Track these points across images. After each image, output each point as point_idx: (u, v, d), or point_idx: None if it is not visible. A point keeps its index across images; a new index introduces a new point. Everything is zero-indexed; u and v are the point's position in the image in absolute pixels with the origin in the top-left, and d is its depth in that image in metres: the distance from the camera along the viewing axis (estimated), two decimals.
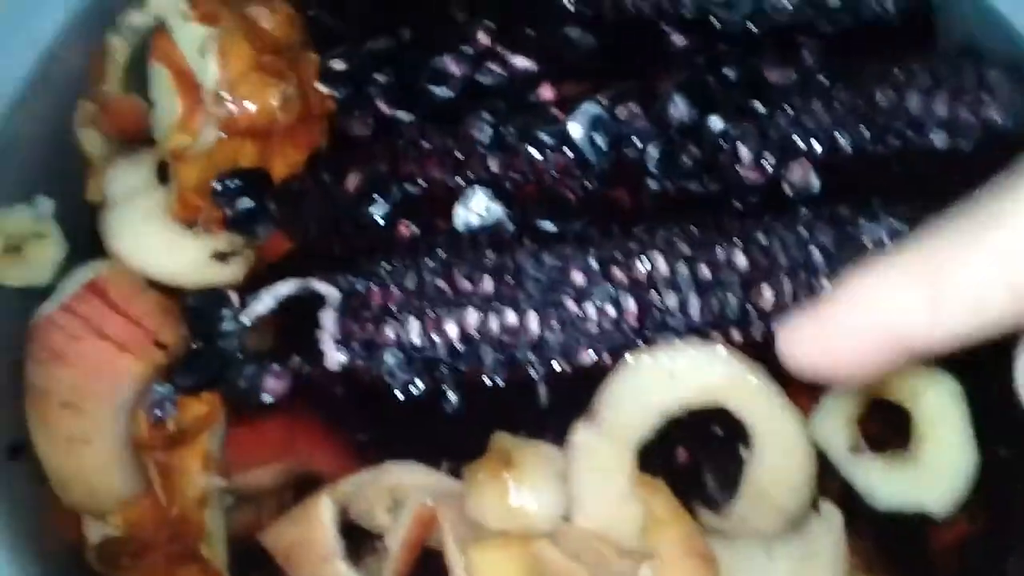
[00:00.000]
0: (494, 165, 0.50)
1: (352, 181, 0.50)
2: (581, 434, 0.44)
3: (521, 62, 0.54)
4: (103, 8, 0.54)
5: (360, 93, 0.54)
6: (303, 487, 0.48)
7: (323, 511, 0.43)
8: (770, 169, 0.50)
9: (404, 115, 0.54)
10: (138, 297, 0.48)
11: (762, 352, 0.44)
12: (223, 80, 0.51)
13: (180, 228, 0.51)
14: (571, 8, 0.56)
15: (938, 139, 0.50)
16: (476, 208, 0.49)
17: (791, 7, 0.54)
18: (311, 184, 0.51)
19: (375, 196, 0.50)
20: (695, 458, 0.46)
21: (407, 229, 0.49)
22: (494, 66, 0.54)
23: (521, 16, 0.56)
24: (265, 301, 0.47)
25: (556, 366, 0.46)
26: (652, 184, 0.51)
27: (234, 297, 0.48)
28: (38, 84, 0.54)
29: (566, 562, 0.41)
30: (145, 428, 0.47)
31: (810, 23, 0.54)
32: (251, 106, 0.51)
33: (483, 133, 0.51)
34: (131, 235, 0.50)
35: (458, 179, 0.50)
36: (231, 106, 0.51)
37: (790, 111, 0.50)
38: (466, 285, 0.46)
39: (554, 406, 0.46)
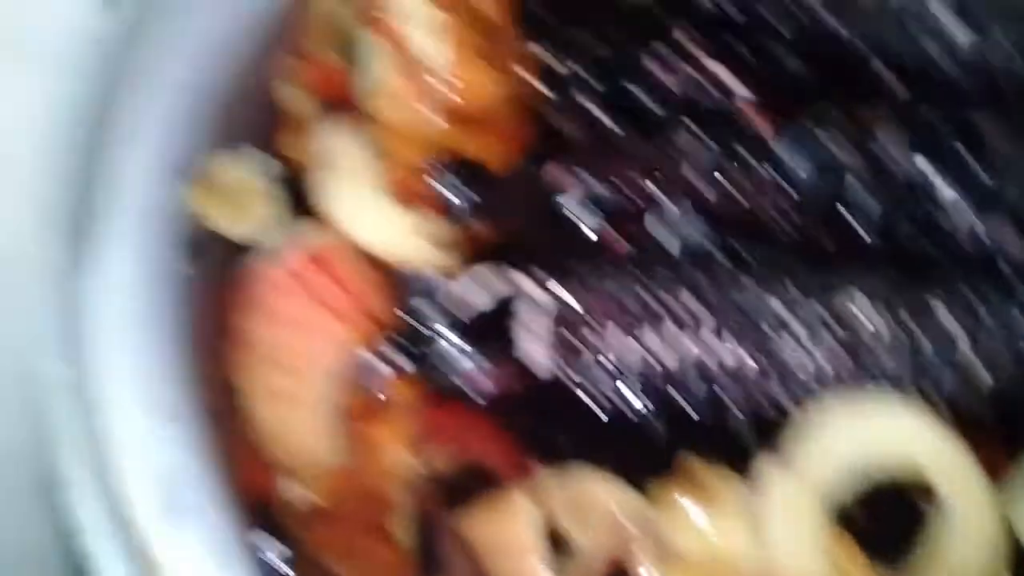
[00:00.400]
0: (694, 179, 0.50)
1: (568, 182, 0.50)
2: (773, 474, 0.44)
3: (724, 74, 0.54)
4: None
5: (570, 92, 0.53)
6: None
7: (525, 507, 0.44)
8: (980, 227, 0.49)
9: (607, 119, 0.54)
10: (354, 266, 0.49)
11: (955, 412, 0.45)
12: (448, 63, 0.51)
13: (396, 204, 0.51)
14: (781, 30, 0.55)
15: None
16: (674, 223, 0.49)
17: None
18: (522, 179, 0.51)
19: (585, 200, 0.50)
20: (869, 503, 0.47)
21: (619, 241, 0.49)
22: (695, 74, 0.53)
23: (728, 27, 0.55)
24: (477, 294, 0.47)
25: (754, 401, 0.46)
26: (854, 218, 0.50)
27: (446, 284, 0.48)
28: (253, 43, 0.54)
29: None
30: (351, 397, 0.48)
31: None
32: (471, 93, 0.51)
33: (687, 145, 0.50)
34: (345, 200, 0.51)
35: (657, 190, 0.50)
36: (451, 90, 0.51)
37: (1005, 167, 0.50)
38: (685, 309, 0.46)
39: (745, 440, 0.47)
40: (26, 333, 0.41)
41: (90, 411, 0.41)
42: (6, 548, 0.58)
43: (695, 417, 0.47)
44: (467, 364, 0.47)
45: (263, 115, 0.55)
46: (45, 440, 0.39)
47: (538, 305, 0.48)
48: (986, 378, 0.47)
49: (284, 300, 0.48)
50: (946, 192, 0.50)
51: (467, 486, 0.49)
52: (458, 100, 0.51)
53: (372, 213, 0.51)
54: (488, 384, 0.47)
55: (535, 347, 0.47)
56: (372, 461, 0.48)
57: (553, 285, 0.48)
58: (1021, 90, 0.52)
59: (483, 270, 0.49)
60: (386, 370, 0.48)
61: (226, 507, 0.44)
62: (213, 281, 0.49)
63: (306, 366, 0.47)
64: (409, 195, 0.51)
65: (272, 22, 0.56)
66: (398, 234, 0.51)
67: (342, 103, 0.56)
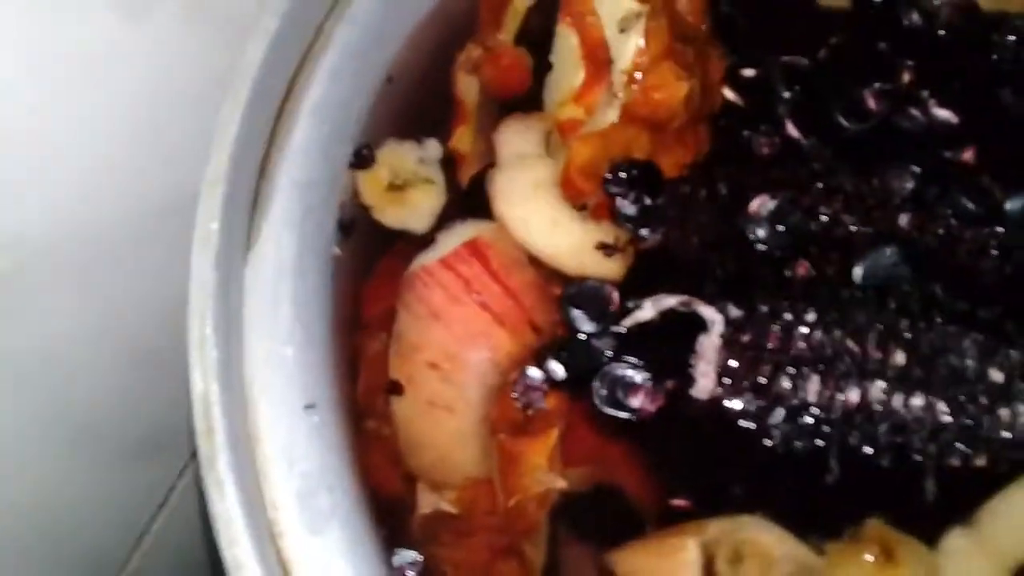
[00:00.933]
0: (904, 221, 0.46)
1: (756, 201, 0.46)
2: (957, 540, 0.40)
3: (943, 114, 0.49)
4: None
5: (764, 107, 0.50)
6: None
7: (690, 552, 0.41)
8: None
9: (805, 140, 0.50)
10: (518, 270, 0.46)
11: None
12: (638, 62, 0.48)
13: (566, 207, 0.48)
14: (1008, 67, 0.50)
15: None
16: (883, 265, 0.45)
17: None
18: (704, 191, 0.48)
19: (775, 223, 0.46)
20: None
21: (805, 270, 0.45)
22: (915, 111, 0.49)
23: (950, 64, 0.50)
24: (647, 310, 0.44)
25: (949, 462, 0.42)
26: None
27: (614, 295, 0.45)
28: (430, 26, 0.52)
29: None
30: (498, 409, 0.45)
31: None
32: (659, 95, 0.48)
33: (904, 185, 0.46)
34: (518, 202, 0.48)
35: (864, 228, 0.46)
36: (638, 91, 0.48)
37: None
38: (877, 354, 0.42)
39: (932, 501, 0.42)
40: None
41: (238, 397, 0.39)
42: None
43: (873, 464, 0.43)
44: (627, 379, 0.44)
45: (438, 105, 0.53)
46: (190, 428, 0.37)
47: (711, 328, 0.44)
48: None
49: (445, 300, 0.45)
50: None
51: (598, 510, 0.47)
52: (645, 102, 0.48)
53: (539, 213, 0.48)
54: (647, 405, 0.43)
55: (703, 368, 0.44)
56: (515, 479, 0.45)
57: (732, 309, 0.44)
58: None
59: (651, 285, 0.46)
60: (541, 381, 0.45)
61: (361, 511, 0.41)
62: (359, 270, 0.48)
63: (463, 374, 0.45)
64: (579, 198, 0.48)
65: (459, 9, 0.53)
66: (564, 238, 0.48)
67: (521, 99, 0.53)
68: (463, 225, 0.47)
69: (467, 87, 0.53)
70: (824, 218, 0.47)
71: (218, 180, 0.41)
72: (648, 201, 0.48)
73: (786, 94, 0.50)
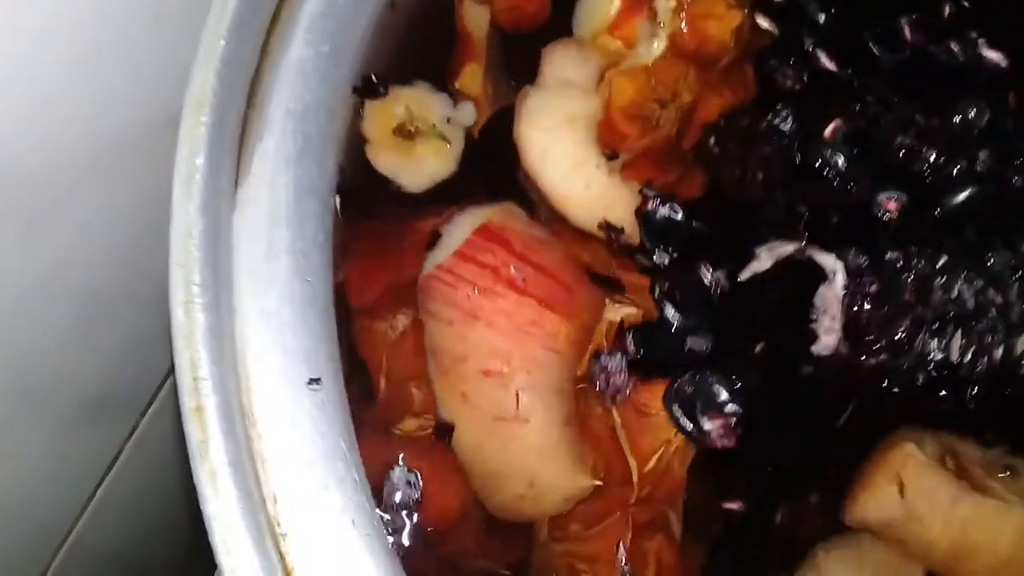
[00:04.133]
0: (984, 156, 0.40)
1: (832, 126, 0.40)
2: None
3: (993, 55, 0.44)
4: None
5: (797, 35, 0.44)
6: None
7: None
8: None
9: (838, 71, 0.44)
10: (544, 247, 0.39)
11: None
12: None
13: (594, 152, 0.41)
14: None
15: None
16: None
17: None
18: (765, 125, 0.41)
19: (854, 149, 0.40)
20: None
21: (895, 203, 0.39)
22: (956, 47, 0.43)
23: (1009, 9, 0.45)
24: (762, 260, 0.39)
25: None
26: None
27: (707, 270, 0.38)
28: None
29: None
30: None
31: None
32: (709, 27, 0.42)
33: (981, 118, 0.41)
34: (546, 127, 0.41)
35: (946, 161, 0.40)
36: (685, 21, 0.41)
37: None
38: (1021, 303, 0.37)
39: None
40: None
41: (229, 368, 0.31)
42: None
43: None
44: (714, 395, 0.37)
45: (445, 40, 0.46)
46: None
47: (830, 274, 0.38)
48: None
49: (477, 296, 0.37)
50: None
51: None
52: (694, 33, 0.41)
53: (567, 152, 0.41)
54: (716, 436, 0.37)
55: (827, 323, 0.38)
56: (648, 432, 0.37)
57: (850, 254, 0.39)
58: None
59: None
60: (620, 365, 0.38)
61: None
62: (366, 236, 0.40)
63: (526, 372, 0.36)
64: (621, 143, 0.41)
65: None
66: (585, 188, 0.41)
67: (537, 30, 0.46)
68: (465, 214, 0.40)
69: (475, 17, 0.46)
70: (903, 149, 0.41)
71: (204, 104, 0.33)
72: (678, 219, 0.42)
73: (821, 17, 0.44)
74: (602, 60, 0.42)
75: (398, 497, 0.35)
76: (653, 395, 0.37)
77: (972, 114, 0.42)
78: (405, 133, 0.42)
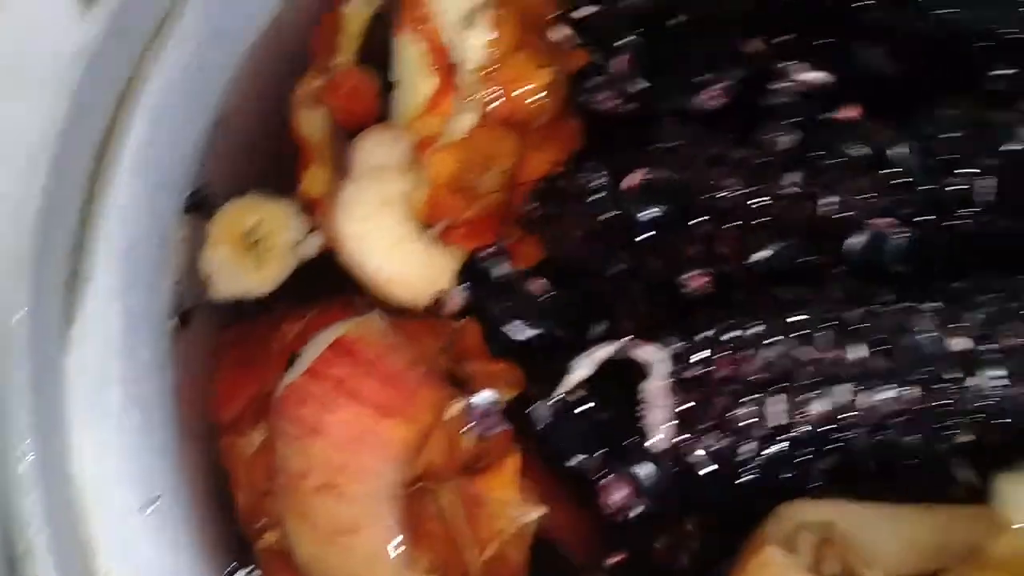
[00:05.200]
0: (791, 180, 0.42)
1: (629, 178, 0.42)
2: None
3: (817, 76, 0.45)
4: None
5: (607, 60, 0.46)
6: None
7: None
8: None
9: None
10: (393, 353, 0.40)
11: None
12: (490, 57, 0.43)
13: (413, 229, 0.43)
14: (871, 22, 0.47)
15: None
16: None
17: None
18: (577, 184, 0.43)
19: (655, 196, 0.41)
20: None
21: (701, 280, 0.41)
22: (779, 85, 0.45)
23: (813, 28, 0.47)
24: (582, 368, 0.40)
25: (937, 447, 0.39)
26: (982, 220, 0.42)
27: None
28: (259, 57, 0.47)
29: None
30: (442, 456, 0.39)
31: None
32: (518, 90, 0.43)
33: (784, 141, 0.42)
34: (360, 217, 0.43)
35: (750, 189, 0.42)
36: (494, 89, 0.43)
37: None
38: (830, 354, 0.39)
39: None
40: None
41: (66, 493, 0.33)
42: None
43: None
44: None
45: (280, 149, 0.48)
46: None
47: (650, 369, 0.39)
48: None
49: (320, 410, 0.38)
50: None
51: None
52: (505, 99, 0.43)
53: (386, 235, 0.44)
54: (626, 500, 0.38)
55: (654, 417, 0.39)
56: (487, 526, 0.39)
57: (672, 343, 0.40)
58: None
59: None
60: (490, 405, 0.39)
61: None
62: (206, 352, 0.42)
63: (359, 483, 0.38)
64: (448, 215, 0.43)
65: (288, 40, 0.48)
66: (408, 265, 0.44)
67: (370, 123, 0.48)
68: (324, 332, 0.41)
69: (311, 123, 0.48)
70: (708, 184, 0.42)
71: (22, 260, 0.35)
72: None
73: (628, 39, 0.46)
74: (414, 139, 0.44)
75: None
76: (487, 485, 0.39)
77: (776, 139, 0.43)
78: (248, 243, 0.44)
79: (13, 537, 0.30)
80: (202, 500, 0.37)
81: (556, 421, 0.41)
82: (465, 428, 0.39)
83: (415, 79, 0.46)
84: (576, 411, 0.41)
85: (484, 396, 0.39)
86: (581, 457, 0.41)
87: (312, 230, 0.46)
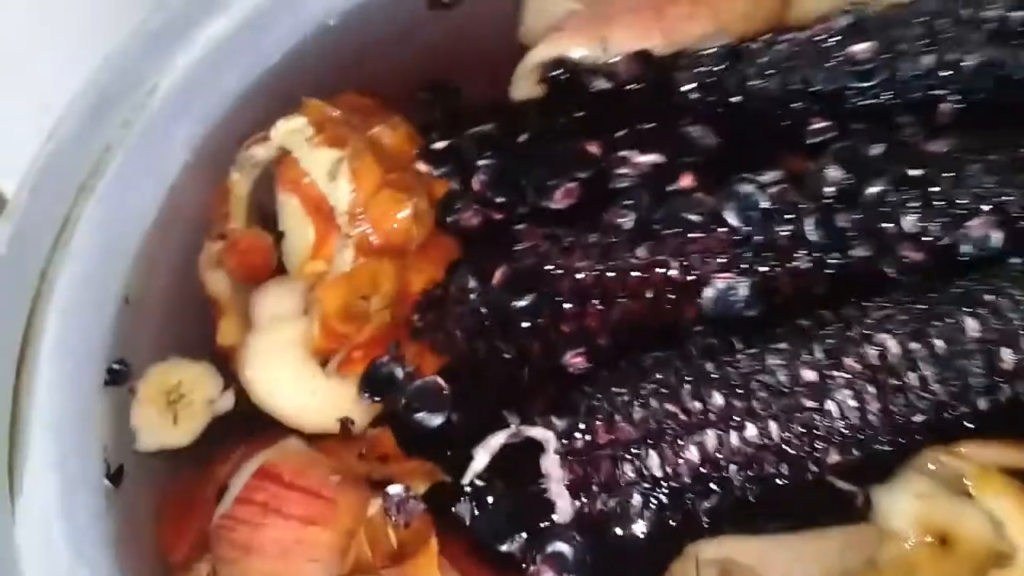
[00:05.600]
0: (641, 252, 0.47)
1: (497, 274, 0.47)
2: None
3: (649, 159, 0.51)
4: (222, 146, 0.53)
5: (466, 182, 0.52)
6: None
7: None
8: (939, 233, 0.47)
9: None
10: (312, 468, 0.45)
11: (1013, 416, 0.42)
12: (356, 200, 0.49)
13: (311, 365, 0.48)
14: (692, 99, 0.53)
15: None
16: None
17: (926, 74, 0.51)
18: (453, 291, 0.48)
19: (522, 287, 0.47)
20: None
21: (582, 358, 0.47)
22: (623, 171, 0.51)
23: (639, 118, 0.53)
24: (480, 457, 0.44)
25: (804, 474, 0.43)
26: (812, 258, 0.47)
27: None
28: (161, 231, 0.52)
29: None
30: (368, 553, 0.43)
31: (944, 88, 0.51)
32: (386, 223, 0.49)
33: (625, 217, 0.48)
34: (262, 365, 0.48)
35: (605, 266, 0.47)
36: (366, 226, 0.49)
37: (951, 175, 0.47)
38: (696, 404, 0.43)
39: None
40: None
41: None
42: None
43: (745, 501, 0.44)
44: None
45: (193, 312, 0.53)
46: None
47: (547, 447, 0.44)
48: None
49: (250, 531, 0.43)
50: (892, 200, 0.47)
51: None
52: (369, 233, 0.49)
53: (287, 375, 0.48)
54: None
55: (555, 489, 0.43)
56: None
57: (552, 420, 0.44)
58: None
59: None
60: (406, 494, 0.44)
61: None
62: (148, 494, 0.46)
63: None
64: (335, 347, 0.48)
65: (192, 215, 0.54)
66: (313, 398, 0.48)
67: (268, 275, 0.53)
68: (249, 462, 0.46)
69: (216, 282, 0.53)
70: (567, 268, 0.47)
71: None
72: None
73: (481, 162, 0.51)
74: (307, 284, 0.50)
75: None
76: (412, 570, 0.42)
77: (618, 216, 0.49)
78: (170, 401, 0.48)
79: None
80: None
81: (477, 512, 0.44)
82: (389, 520, 0.43)
83: (299, 228, 0.52)
84: (488, 498, 0.45)
85: (397, 489, 0.43)
86: (508, 544, 0.44)
87: (227, 387, 0.50)
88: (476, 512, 0.44)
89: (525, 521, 0.44)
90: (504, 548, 0.44)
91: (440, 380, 0.47)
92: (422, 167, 0.52)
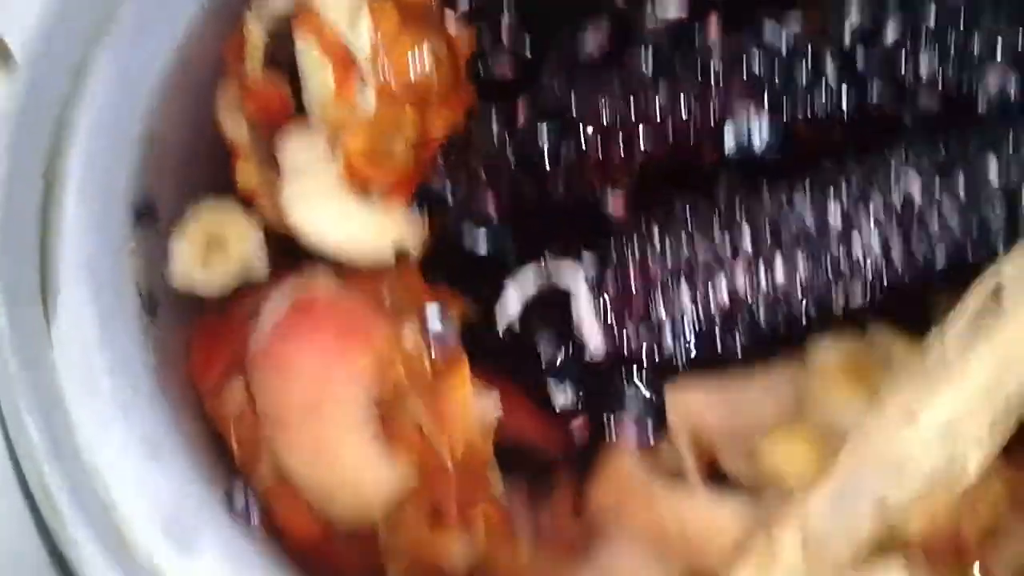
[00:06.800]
0: (664, 95, 0.48)
1: (521, 113, 0.48)
2: None
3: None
4: None
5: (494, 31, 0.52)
6: None
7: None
8: (959, 80, 0.47)
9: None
10: (344, 300, 0.46)
11: None
12: (377, 45, 0.49)
13: (356, 200, 0.49)
14: None
15: None
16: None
17: None
18: (475, 129, 0.49)
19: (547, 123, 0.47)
20: None
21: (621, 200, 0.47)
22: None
23: None
24: (514, 303, 0.45)
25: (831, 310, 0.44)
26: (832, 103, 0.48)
27: None
28: (178, 75, 0.52)
29: None
30: (404, 376, 0.45)
31: None
32: (406, 69, 0.49)
33: (646, 64, 0.48)
34: (310, 207, 0.49)
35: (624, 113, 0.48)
36: (386, 71, 0.49)
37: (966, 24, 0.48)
38: (727, 245, 0.44)
39: None
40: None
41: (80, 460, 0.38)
42: None
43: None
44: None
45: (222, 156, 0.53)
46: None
47: (574, 288, 0.45)
48: None
49: (288, 354, 0.45)
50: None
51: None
52: (396, 79, 0.49)
53: (331, 212, 0.49)
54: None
55: (587, 329, 0.45)
56: (455, 426, 0.44)
57: (584, 262, 0.45)
58: None
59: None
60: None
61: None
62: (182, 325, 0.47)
63: (332, 405, 0.44)
64: (370, 184, 0.49)
65: (208, 60, 0.53)
66: (364, 230, 0.49)
67: (287, 120, 0.53)
68: (278, 290, 0.47)
69: (235, 125, 0.53)
70: (590, 106, 0.48)
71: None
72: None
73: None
74: (330, 126, 0.50)
75: None
76: (447, 391, 0.45)
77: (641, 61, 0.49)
78: (210, 246, 0.49)
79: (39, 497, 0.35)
80: (203, 456, 0.43)
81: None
82: (423, 349, 0.44)
83: (319, 75, 0.51)
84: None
85: (434, 320, 0.45)
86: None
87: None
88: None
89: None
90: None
91: (492, 206, 0.48)
92: (449, 16, 0.52)
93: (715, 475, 0.45)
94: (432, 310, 0.44)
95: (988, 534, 0.42)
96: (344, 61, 0.51)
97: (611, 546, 0.44)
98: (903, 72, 0.48)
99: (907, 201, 0.44)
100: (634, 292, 0.45)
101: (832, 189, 0.45)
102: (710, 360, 0.45)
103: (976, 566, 0.42)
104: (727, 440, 0.45)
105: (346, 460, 0.43)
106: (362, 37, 0.50)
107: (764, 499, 0.44)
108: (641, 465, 0.44)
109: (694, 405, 0.45)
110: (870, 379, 0.45)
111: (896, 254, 0.44)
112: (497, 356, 0.46)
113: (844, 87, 0.48)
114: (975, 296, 0.42)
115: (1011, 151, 0.45)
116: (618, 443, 0.44)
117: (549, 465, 0.47)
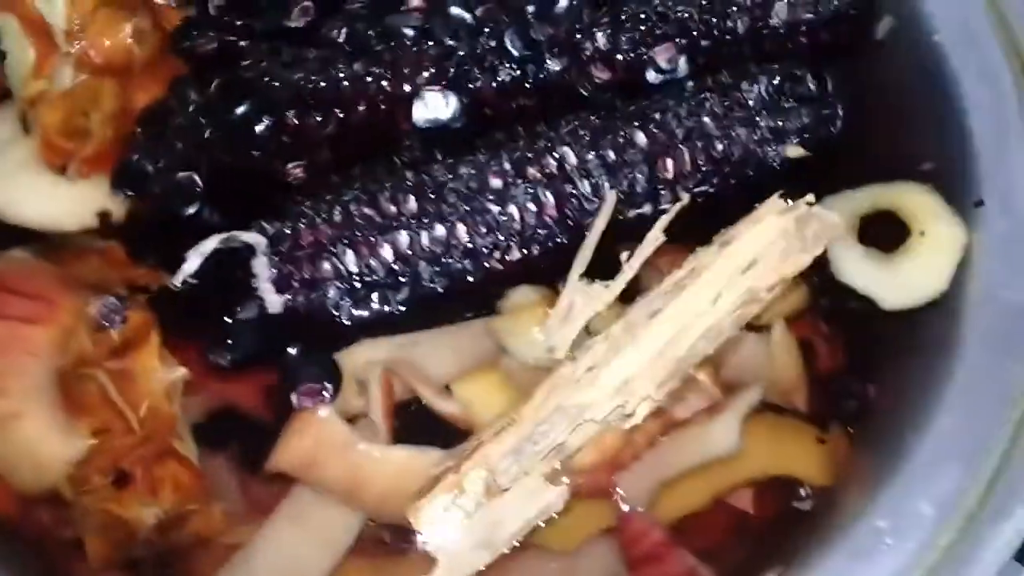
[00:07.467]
0: (358, 66, 0.50)
1: (214, 86, 0.50)
2: None
3: None
4: None
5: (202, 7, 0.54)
6: None
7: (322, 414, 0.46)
8: (631, 55, 0.51)
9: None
10: (34, 276, 0.48)
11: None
12: (73, 18, 0.50)
13: (50, 175, 0.50)
14: None
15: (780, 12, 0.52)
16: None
17: None
18: (172, 102, 0.51)
19: (243, 100, 0.49)
20: None
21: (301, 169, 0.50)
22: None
23: None
24: (193, 261, 0.47)
25: (491, 265, 0.48)
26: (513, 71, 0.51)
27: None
28: None
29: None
30: (90, 347, 0.46)
31: None
32: (104, 41, 0.50)
33: (342, 34, 0.51)
34: (4, 184, 0.50)
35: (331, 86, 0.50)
36: (84, 44, 0.50)
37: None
38: (391, 208, 0.47)
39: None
40: None
41: None
42: None
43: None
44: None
45: None
46: None
47: (257, 250, 0.47)
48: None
49: None
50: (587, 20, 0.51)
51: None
52: (88, 52, 0.50)
53: (27, 188, 0.50)
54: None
55: (264, 286, 0.47)
56: (139, 390, 0.46)
57: (265, 225, 0.48)
58: None
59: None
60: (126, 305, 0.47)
61: None
62: None
63: (14, 379, 0.45)
64: (64, 160, 0.50)
65: None
66: (61, 203, 0.50)
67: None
68: None
69: None
70: (287, 80, 0.50)
71: None
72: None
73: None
74: (14, 109, 0.52)
75: None
76: (133, 361, 0.47)
77: (337, 32, 0.51)
78: None
79: None
80: None
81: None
82: (101, 322, 0.46)
83: (19, 49, 0.52)
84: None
85: (108, 299, 0.47)
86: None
87: None
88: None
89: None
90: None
91: (195, 175, 0.50)
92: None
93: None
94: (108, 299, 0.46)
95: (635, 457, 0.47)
96: (45, 35, 0.52)
97: (299, 496, 0.47)
98: (582, 46, 0.51)
99: (561, 167, 0.48)
100: (303, 255, 0.47)
101: (496, 159, 0.49)
102: (379, 317, 0.48)
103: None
104: (427, 389, 0.49)
105: (25, 430, 0.45)
106: (58, 10, 0.50)
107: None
108: (334, 419, 0.47)
109: (373, 359, 0.48)
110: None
111: (548, 216, 0.48)
112: (189, 316, 0.48)
113: (525, 60, 0.51)
114: (672, 275, 0.46)
115: (658, 123, 0.49)
116: (302, 402, 0.47)
117: (265, 429, 0.49)
